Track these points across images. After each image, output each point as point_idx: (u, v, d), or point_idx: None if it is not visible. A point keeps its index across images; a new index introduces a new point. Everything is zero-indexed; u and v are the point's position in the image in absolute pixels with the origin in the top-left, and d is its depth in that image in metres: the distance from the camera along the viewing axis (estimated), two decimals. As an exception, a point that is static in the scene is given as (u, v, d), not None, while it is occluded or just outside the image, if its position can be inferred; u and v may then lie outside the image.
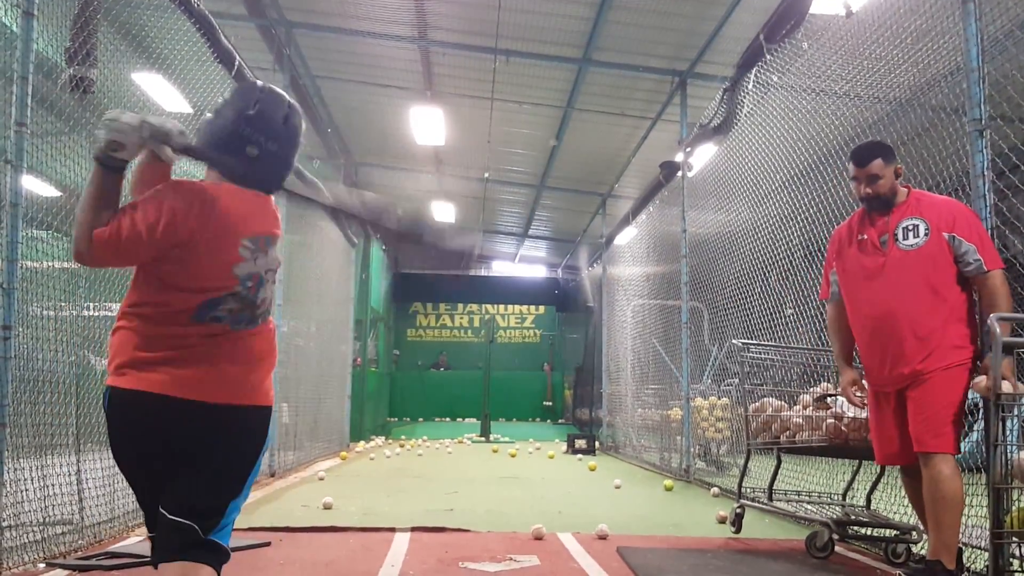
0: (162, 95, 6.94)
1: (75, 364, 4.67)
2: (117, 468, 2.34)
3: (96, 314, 4.96)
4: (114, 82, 5.26)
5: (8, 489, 3.80)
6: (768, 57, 6.81)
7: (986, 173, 3.92)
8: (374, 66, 11.30)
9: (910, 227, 3.71)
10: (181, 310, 2.18)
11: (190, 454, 2.21)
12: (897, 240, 3.73)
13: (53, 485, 4.28)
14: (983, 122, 3.94)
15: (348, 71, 11.70)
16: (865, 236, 3.87)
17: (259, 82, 2.47)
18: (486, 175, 15.10)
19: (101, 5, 4.65)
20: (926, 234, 3.66)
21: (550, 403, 22.13)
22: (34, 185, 4.32)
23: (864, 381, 4.00)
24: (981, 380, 3.41)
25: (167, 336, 2.18)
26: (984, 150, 3.93)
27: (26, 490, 4.02)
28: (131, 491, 2.37)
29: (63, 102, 4.55)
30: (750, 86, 7.38)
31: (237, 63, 6.63)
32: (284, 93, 2.44)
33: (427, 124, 12.21)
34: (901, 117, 5.31)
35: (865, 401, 4.00)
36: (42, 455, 4.26)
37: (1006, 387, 3.30)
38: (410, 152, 14.31)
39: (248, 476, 2.29)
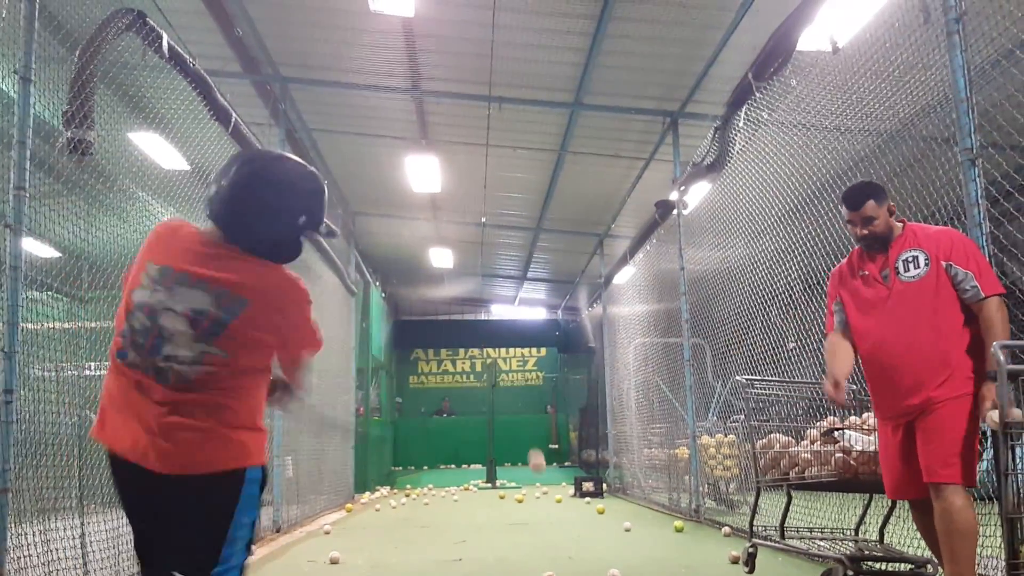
0: (160, 154, 7.01)
1: (77, 424, 4.64)
2: (121, 529, 2.35)
3: (98, 373, 4.95)
4: (112, 143, 5.31)
5: (11, 555, 3.75)
6: (758, 95, 6.89)
7: (980, 201, 3.94)
8: (369, 117, 11.44)
9: (910, 259, 3.72)
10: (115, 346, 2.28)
11: (146, 515, 2.25)
12: (899, 273, 3.73)
13: (57, 549, 4.22)
14: (975, 151, 3.97)
15: (343, 123, 11.83)
16: (866, 272, 3.87)
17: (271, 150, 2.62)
18: (483, 220, 15.20)
19: (98, 68, 4.71)
20: (926, 264, 3.66)
21: (556, 446, 21.92)
22: (33, 247, 4.34)
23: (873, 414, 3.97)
24: (993, 413, 3.36)
25: (107, 378, 2.29)
26: (977, 179, 3.95)
27: (29, 555, 3.97)
28: (136, 552, 2.36)
29: (61, 165, 4.59)
30: (741, 124, 7.46)
31: (234, 119, 6.71)
32: (275, 153, 2.52)
33: (423, 172, 12.31)
34: (893, 149, 5.36)
35: (841, 398, 3.82)
36: (45, 518, 4.22)
37: (1016, 414, 3.27)
38: (407, 200, 14.40)
39: (219, 547, 2.19)
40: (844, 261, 4.09)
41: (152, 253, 2.30)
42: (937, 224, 4.20)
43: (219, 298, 2.22)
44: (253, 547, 2.30)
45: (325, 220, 2.47)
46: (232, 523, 2.21)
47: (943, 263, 3.62)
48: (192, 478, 2.18)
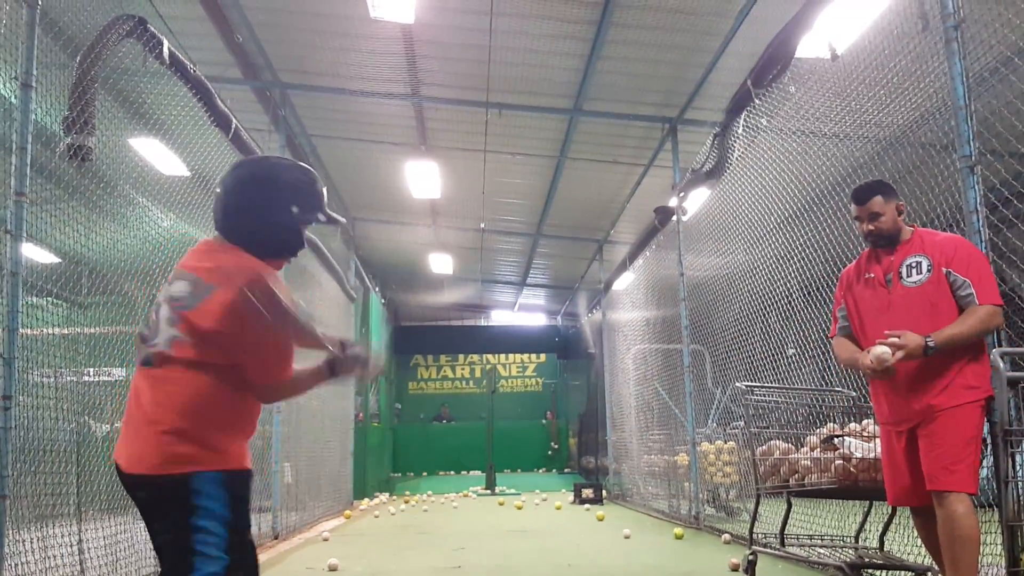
0: (160, 160, 7.02)
1: (75, 431, 4.63)
2: (118, 536, 2.34)
3: (96, 379, 4.95)
4: (112, 148, 5.32)
5: (9, 562, 3.74)
6: (757, 101, 6.90)
7: (979, 208, 3.94)
8: (369, 123, 11.45)
9: (913, 264, 3.72)
10: None
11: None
12: (901, 278, 3.74)
13: (55, 556, 4.21)
14: (973, 158, 3.97)
15: (343, 129, 11.85)
16: (872, 274, 3.87)
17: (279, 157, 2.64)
18: (482, 225, 15.21)
19: (98, 74, 4.72)
20: (928, 271, 3.66)
21: (556, 445, 21.85)
22: (33, 252, 4.35)
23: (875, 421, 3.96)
24: (878, 349, 3.43)
25: None
26: (976, 186, 3.95)
27: (27, 562, 3.96)
28: (133, 559, 2.36)
29: (62, 170, 4.59)
30: (740, 130, 7.47)
31: (234, 126, 6.72)
32: (261, 156, 2.58)
33: (422, 178, 12.32)
34: (891, 155, 5.36)
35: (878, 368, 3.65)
36: (43, 525, 4.21)
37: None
38: (406, 206, 14.41)
39: (186, 557, 2.13)
40: (853, 263, 4.09)
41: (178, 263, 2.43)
42: (935, 231, 4.20)
43: (194, 285, 2.28)
44: (229, 553, 2.18)
45: (325, 209, 2.50)
46: (191, 535, 2.15)
47: (944, 269, 3.62)
48: (137, 477, 2.19)
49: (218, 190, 2.44)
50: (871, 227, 3.82)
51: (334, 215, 2.53)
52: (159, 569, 2.25)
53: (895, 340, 3.44)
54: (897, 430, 3.76)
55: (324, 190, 2.53)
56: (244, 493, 2.27)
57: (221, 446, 2.23)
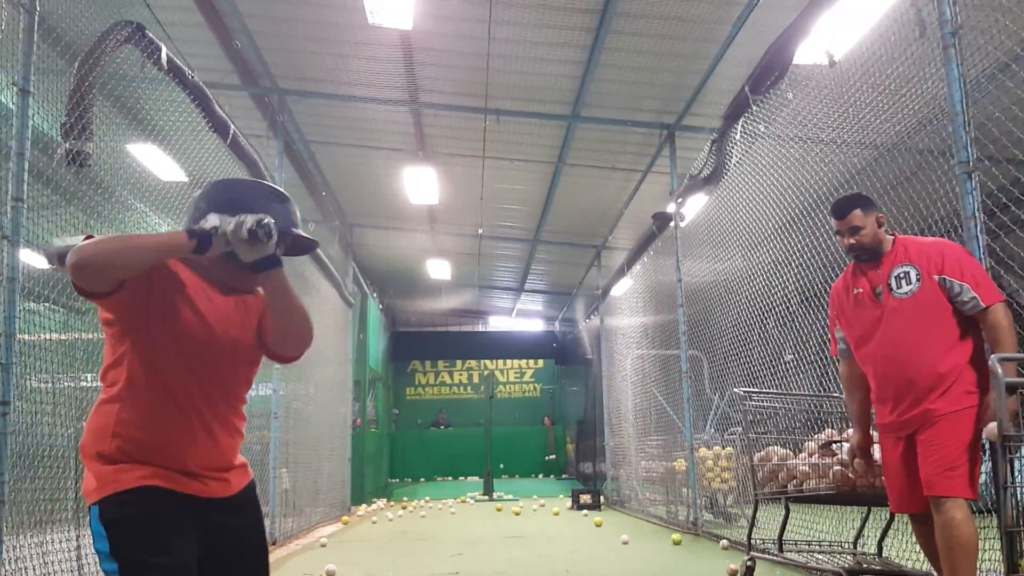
0: (158, 165, 7.02)
1: (73, 436, 4.63)
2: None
3: (94, 385, 4.94)
4: (110, 154, 5.32)
5: (7, 568, 3.73)
6: (754, 108, 6.92)
7: (977, 215, 3.95)
8: (367, 129, 11.45)
9: (901, 275, 3.72)
10: None
11: None
12: (891, 289, 3.74)
13: (53, 562, 4.20)
14: (971, 164, 3.98)
15: (341, 135, 11.85)
16: (860, 290, 3.88)
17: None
18: (480, 231, 15.20)
19: (97, 80, 4.72)
20: (918, 280, 3.67)
21: (553, 456, 21.86)
22: (31, 258, 4.34)
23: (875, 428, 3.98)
24: (992, 426, 3.35)
25: None
26: (973, 192, 3.96)
27: (25, 568, 3.95)
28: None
29: (60, 176, 4.59)
30: (738, 136, 7.48)
31: (232, 131, 6.73)
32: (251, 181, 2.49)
33: (420, 184, 12.33)
34: (889, 161, 5.38)
35: (863, 470, 4.14)
36: (42, 530, 4.20)
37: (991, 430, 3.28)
38: (404, 212, 14.42)
39: None
40: (840, 278, 4.10)
41: None
42: (934, 236, 4.21)
43: None
44: None
45: (291, 229, 2.20)
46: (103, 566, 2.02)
47: (936, 277, 3.62)
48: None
49: (190, 206, 2.31)
50: (852, 241, 3.83)
51: (304, 234, 2.24)
52: None
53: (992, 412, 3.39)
54: (895, 436, 3.76)
55: (297, 213, 2.26)
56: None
57: (107, 470, 2.10)
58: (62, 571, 4.28)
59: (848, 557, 4.93)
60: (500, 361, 24.90)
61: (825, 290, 4.69)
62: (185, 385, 2.12)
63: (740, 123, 7.39)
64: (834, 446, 4.73)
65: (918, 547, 4.04)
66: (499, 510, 13.49)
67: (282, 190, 2.31)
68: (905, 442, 3.71)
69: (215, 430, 2.17)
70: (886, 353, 3.72)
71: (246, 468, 2.28)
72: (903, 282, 3.71)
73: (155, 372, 2.09)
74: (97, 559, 2.00)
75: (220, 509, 2.15)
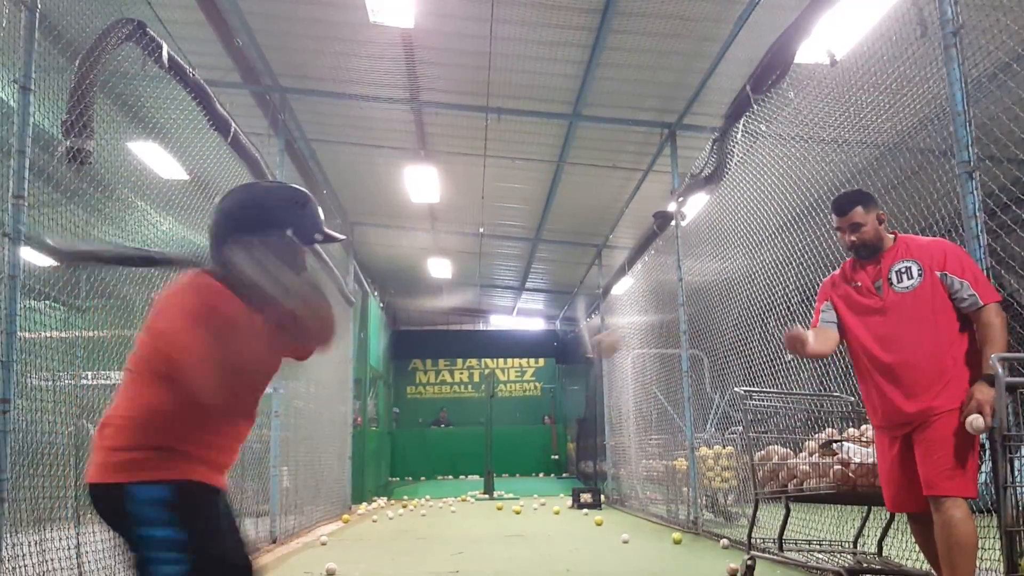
0: (159, 163, 7.02)
1: (73, 434, 4.63)
2: (116, 540, 2.32)
3: (94, 383, 4.94)
4: (111, 152, 5.32)
5: (6, 565, 3.74)
6: (756, 107, 6.91)
7: (978, 214, 3.94)
8: (368, 128, 11.45)
9: (903, 270, 3.72)
10: None
11: None
12: (892, 284, 3.73)
13: (52, 560, 4.20)
14: (972, 164, 3.98)
15: (342, 134, 11.85)
16: (859, 283, 3.87)
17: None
18: (481, 230, 15.20)
19: (97, 78, 4.72)
20: (920, 275, 3.67)
21: (556, 456, 21.85)
22: (31, 256, 4.35)
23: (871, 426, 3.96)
24: (974, 418, 3.35)
25: None
26: (975, 192, 3.96)
27: (25, 566, 3.95)
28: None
29: (60, 174, 4.59)
30: (739, 136, 7.48)
31: (233, 129, 6.73)
32: (258, 183, 2.51)
33: (421, 182, 12.33)
34: (890, 161, 5.37)
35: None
36: (41, 528, 4.20)
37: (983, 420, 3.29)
38: (405, 210, 14.42)
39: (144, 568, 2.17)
40: (837, 271, 4.09)
41: None
42: (935, 236, 4.21)
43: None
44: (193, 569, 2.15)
45: (323, 228, 2.40)
46: (143, 547, 2.19)
47: (937, 273, 3.63)
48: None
49: (210, 222, 2.34)
50: (853, 238, 3.82)
51: (332, 233, 2.45)
52: None
53: (977, 403, 3.39)
54: (891, 435, 3.75)
55: (319, 209, 2.42)
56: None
57: (162, 457, 2.27)
58: (62, 569, 4.28)
59: (848, 556, 4.93)
60: (501, 360, 24.89)
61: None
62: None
63: (741, 122, 7.39)
64: (835, 445, 4.73)
65: (918, 547, 4.04)
66: (499, 509, 13.49)
67: (302, 189, 2.41)
68: (901, 442, 3.70)
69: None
70: (882, 346, 3.72)
71: None
72: (904, 277, 3.71)
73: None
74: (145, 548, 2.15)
75: None
